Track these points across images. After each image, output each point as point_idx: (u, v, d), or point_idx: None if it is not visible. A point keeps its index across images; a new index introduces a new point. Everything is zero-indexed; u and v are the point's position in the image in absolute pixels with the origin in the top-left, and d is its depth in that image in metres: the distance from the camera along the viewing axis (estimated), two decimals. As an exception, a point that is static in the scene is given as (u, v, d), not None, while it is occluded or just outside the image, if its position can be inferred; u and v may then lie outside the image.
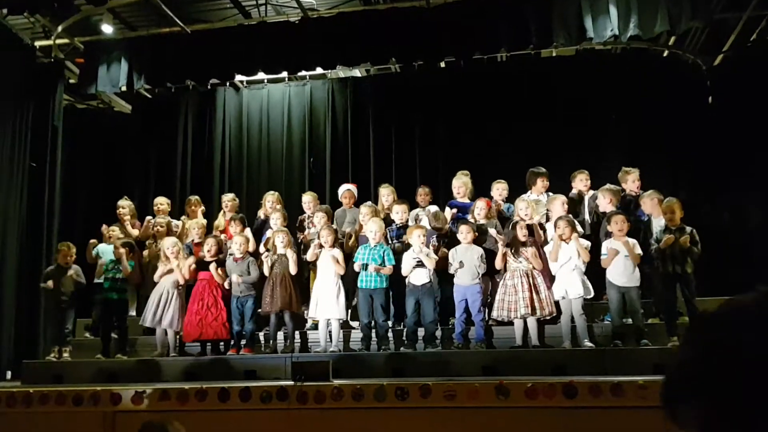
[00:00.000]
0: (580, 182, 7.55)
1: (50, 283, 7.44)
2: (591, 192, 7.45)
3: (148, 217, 8.33)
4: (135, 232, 8.14)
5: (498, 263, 6.62)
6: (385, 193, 7.84)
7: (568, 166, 7.90)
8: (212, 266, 7.16)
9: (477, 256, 6.63)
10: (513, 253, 6.58)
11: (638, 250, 6.41)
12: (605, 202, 6.90)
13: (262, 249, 7.47)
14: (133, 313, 7.87)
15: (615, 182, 7.40)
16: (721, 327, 0.76)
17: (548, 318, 6.51)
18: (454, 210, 7.51)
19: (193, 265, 7.25)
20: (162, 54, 9.30)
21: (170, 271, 7.22)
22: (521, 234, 6.56)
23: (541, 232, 6.89)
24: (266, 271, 7.02)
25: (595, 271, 6.58)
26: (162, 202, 8.44)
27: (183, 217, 8.46)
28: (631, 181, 7.31)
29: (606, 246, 6.49)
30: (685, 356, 0.78)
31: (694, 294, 6.26)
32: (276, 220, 7.51)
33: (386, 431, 5.03)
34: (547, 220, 7.17)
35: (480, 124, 9.88)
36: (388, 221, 7.39)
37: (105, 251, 7.59)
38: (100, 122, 11.11)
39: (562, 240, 6.49)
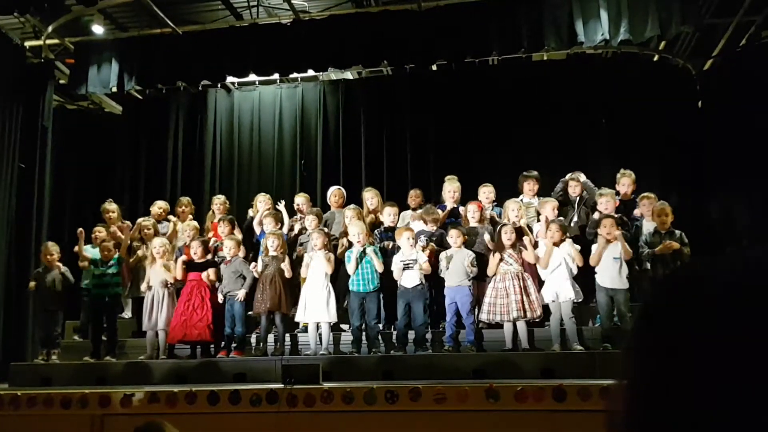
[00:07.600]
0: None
1: (32, 284, 7.44)
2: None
3: (140, 219, 8.28)
4: (121, 236, 8.05)
5: (491, 270, 6.62)
6: (369, 196, 7.85)
7: (559, 170, 7.92)
8: (209, 271, 7.09)
9: (467, 260, 6.63)
10: (501, 255, 6.59)
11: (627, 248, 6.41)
12: (611, 207, 6.86)
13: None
14: (125, 315, 7.84)
15: (607, 185, 7.42)
16: None
17: (537, 320, 6.52)
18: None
19: (183, 266, 7.19)
20: (153, 55, 9.26)
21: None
22: (506, 238, 6.57)
23: (531, 234, 6.90)
24: (260, 267, 7.00)
25: (584, 273, 6.60)
26: (162, 206, 8.42)
27: (173, 219, 8.39)
28: (623, 185, 7.31)
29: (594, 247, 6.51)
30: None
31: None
32: (268, 224, 7.49)
33: (376, 434, 5.03)
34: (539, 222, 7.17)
35: (471, 127, 9.89)
36: (373, 224, 7.42)
37: (92, 252, 7.55)
38: (90, 123, 11.03)
39: (554, 245, 6.50)
